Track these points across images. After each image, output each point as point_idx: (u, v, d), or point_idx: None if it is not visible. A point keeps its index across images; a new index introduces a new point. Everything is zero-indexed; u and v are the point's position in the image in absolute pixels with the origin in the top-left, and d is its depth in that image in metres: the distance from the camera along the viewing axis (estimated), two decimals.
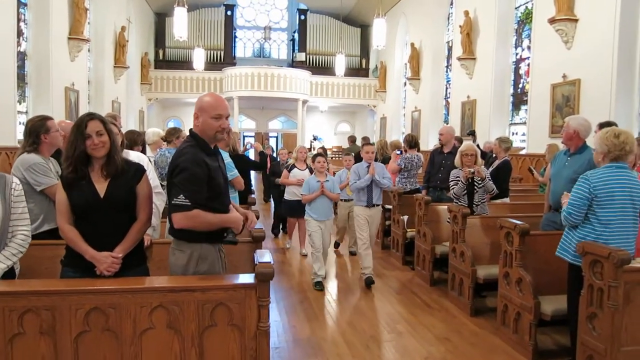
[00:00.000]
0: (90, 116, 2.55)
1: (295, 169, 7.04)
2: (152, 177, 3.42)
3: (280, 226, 8.71)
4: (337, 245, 7.38)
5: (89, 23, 13.32)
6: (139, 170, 2.67)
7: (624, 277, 2.91)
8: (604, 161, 3.24)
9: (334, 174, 7.02)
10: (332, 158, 16.74)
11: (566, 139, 4.15)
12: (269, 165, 9.76)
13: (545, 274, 3.86)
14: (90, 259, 2.48)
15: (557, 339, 4.07)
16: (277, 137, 24.82)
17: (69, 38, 11.86)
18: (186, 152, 2.54)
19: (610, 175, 3.18)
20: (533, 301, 3.65)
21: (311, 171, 6.56)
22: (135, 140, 4.33)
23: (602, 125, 4.69)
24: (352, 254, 7.04)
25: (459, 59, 13.44)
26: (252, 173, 13.86)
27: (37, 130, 3.41)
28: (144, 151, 4.44)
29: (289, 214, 7.30)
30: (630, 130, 4.42)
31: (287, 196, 7.09)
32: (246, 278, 2.58)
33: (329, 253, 6.32)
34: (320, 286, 5.44)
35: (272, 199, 9.47)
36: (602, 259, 2.98)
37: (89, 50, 13.78)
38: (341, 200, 6.70)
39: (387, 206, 7.19)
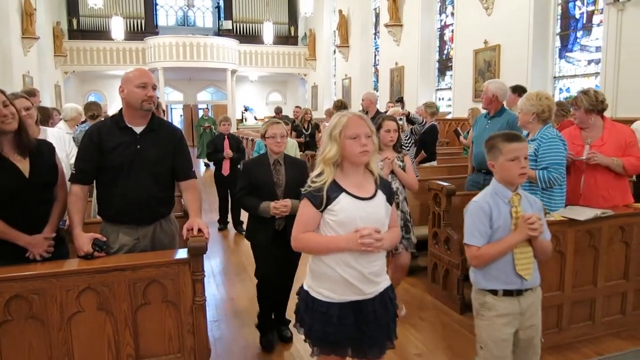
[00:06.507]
0: None
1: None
2: (74, 154, 3.26)
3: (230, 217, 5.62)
4: None
5: None
6: (52, 146, 2.58)
7: None
8: (535, 122, 3.34)
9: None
10: None
11: (486, 103, 4.33)
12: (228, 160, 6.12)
13: None
14: (25, 245, 2.39)
15: None
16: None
17: None
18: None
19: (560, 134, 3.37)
20: (460, 258, 3.84)
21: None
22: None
23: (514, 89, 4.92)
24: None
25: (387, 25, 13.58)
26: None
27: None
28: None
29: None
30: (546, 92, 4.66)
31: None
32: (178, 253, 2.53)
33: None
34: None
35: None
36: None
37: None
38: None
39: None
